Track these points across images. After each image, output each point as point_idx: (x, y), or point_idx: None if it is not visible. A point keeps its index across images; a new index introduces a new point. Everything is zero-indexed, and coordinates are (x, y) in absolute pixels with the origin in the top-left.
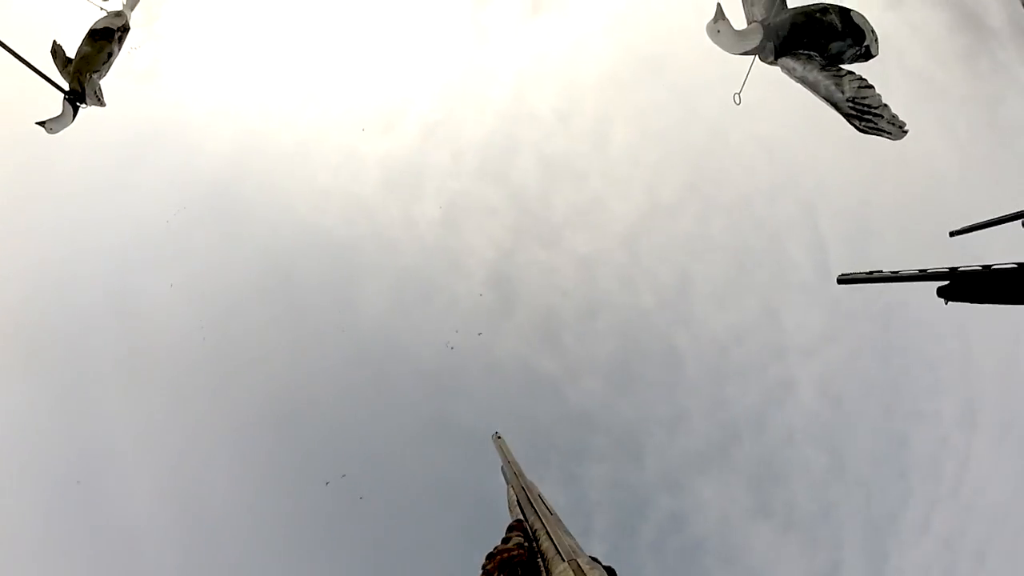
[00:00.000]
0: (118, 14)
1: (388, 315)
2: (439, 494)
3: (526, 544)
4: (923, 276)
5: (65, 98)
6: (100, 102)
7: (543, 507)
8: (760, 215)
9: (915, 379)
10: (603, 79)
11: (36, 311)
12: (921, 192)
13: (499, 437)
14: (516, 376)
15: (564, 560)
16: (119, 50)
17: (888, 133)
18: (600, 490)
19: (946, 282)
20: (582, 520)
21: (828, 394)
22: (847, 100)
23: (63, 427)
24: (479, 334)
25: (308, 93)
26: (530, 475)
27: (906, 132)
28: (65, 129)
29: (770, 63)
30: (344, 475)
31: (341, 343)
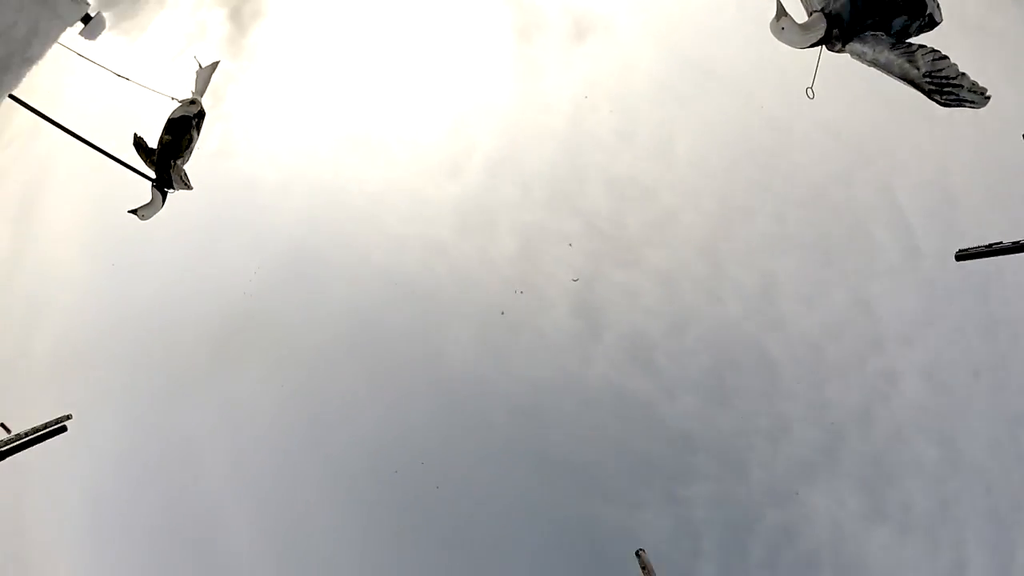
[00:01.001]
0: (192, 102)
1: (476, 354)
2: (541, 528)
3: None
4: None
5: (153, 186)
6: (187, 186)
7: None
8: (837, 203)
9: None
10: (659, 92)
11: (133, 372)
12: (998, 148)
13: (643, 553)
14: (610, 402)
15: None
16: (198, 135)
17: (971, 102)
18: (706, 509)
19: None
20: (690, 542)
21: (934, 381)
22: (924, 76)
23: (168, 483)
24: (575, 280)
25: (374, 147)
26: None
27: (989, 98)
28: (156, 214)
29: (838, 51)
30: (437, 487)
31: (432, 386)
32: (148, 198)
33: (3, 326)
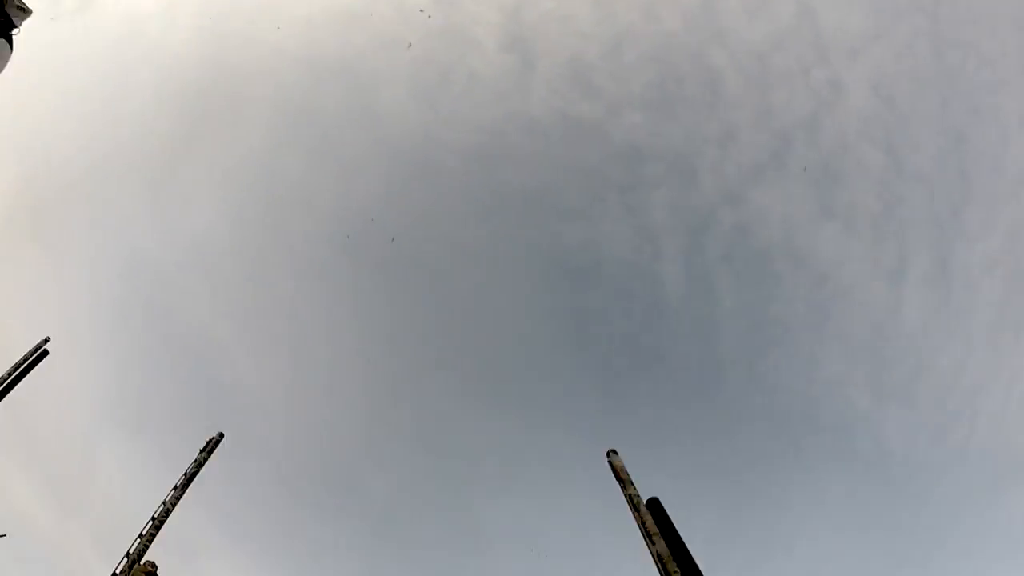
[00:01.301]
0: None
1: (413, 109)
2: (507, 253)
3: None
4: None
5: None
6: (25, 11)
7: None
8: None
9: (971, 75)
10: None
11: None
12: None
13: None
14: (555, 128)
15: None
16: None
17: None
18: (662, 214)
19: None
20: (650, 247)
21: (880, 94)
22: None
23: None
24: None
25: None
26: None
27: None
28: (8, 63)
29: None
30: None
31: (376, 147)
32: None
33: None
